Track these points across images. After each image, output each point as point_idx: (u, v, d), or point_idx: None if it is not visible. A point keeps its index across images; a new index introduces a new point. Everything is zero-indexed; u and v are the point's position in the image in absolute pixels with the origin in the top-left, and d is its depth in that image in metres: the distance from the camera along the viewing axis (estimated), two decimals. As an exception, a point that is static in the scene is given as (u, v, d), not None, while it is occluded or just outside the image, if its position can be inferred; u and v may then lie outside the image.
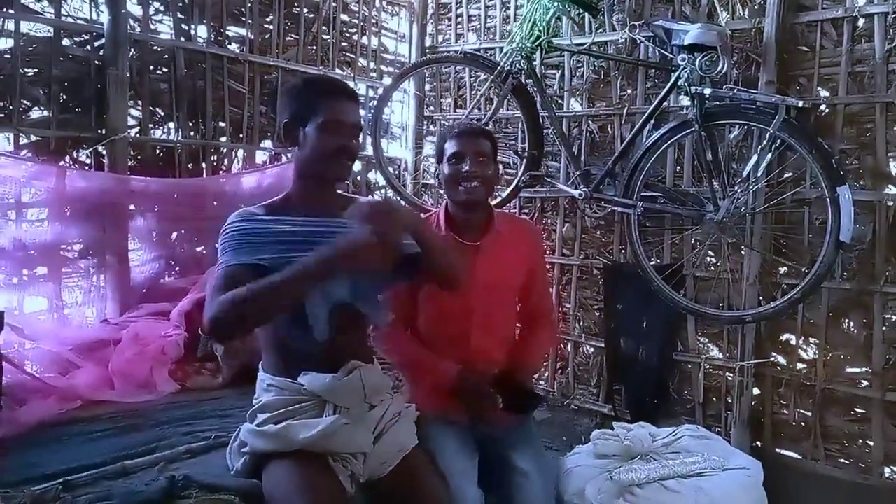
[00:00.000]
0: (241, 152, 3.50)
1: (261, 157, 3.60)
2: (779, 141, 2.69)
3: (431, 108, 4.24)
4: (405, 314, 2.25)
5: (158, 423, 2.28)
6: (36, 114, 2.81)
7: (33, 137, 2.78)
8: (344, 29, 3.94)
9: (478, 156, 2.20)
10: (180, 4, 3.18)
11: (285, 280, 1.56)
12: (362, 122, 1.85)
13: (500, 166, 2.38)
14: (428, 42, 4.20)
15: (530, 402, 2.18)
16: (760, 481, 2.20)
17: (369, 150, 3.79)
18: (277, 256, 1.66)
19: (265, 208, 1.81)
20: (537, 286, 2.40)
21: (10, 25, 2.67)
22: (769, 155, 2.70)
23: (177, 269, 3.21)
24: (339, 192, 1.96)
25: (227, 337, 1.80)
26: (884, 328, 2.74)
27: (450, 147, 2.22)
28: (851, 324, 2.86)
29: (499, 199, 3.47)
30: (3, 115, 2.69)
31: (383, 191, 4.24)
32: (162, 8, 3.15)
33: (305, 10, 3.68)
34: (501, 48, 3.58)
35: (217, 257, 1.74)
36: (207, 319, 1.59)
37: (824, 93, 2.86)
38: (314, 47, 3.75)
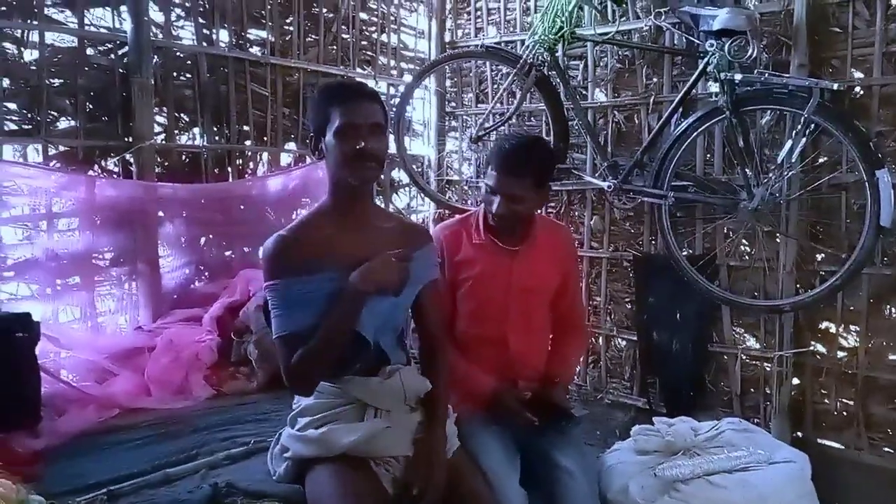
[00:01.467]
0: (265, 155, 3.49)
1: (285, 159, 3.58)
2: (813, 125, 2.62)
3: (453, 103, 4.20)
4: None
5: (197, 429, 2.28)
6: (63, 124, 2.81)
7: (61, 148, 2.79)
8: (363, 27, 3.92)
9: (511, 197, 2.09)
10: (201, 10, 3.17)
11: (329, 337, 1.69)
12: (382, 121, 1.78)
13: (551, 180, 2.26)
14: (448, 37, 4.17)
15: (566, 422, 2.13)
16: (808, 474, 2.15)
17: (393, 149, 3.76)
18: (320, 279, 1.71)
19: (300, 229, 1.79)
20: (570, 292, 2.37)
21: (35, 37, 2.67)
22: (804, 140, 2.64)
23: (206, 273, 3.21)
24: (376, 203, 1.95)
25: (311, 391, 1.81)
26: (927, 313, 2.68)
27: (488, 177, 2.13)
28: (893, 310, 2.80)
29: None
30: (30, 126, 2.70)
31: (407, 188, 4.23)
32: (183, 14, 3.14)
33: (325, 11, 3.66)
34: (522, 41, 3.54)
35: (262, 280, 1.78)
36: (292, 389, 1.79)
37: (858, 74, 2.79)
38: (334, 47, 3.73)
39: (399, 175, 4.17)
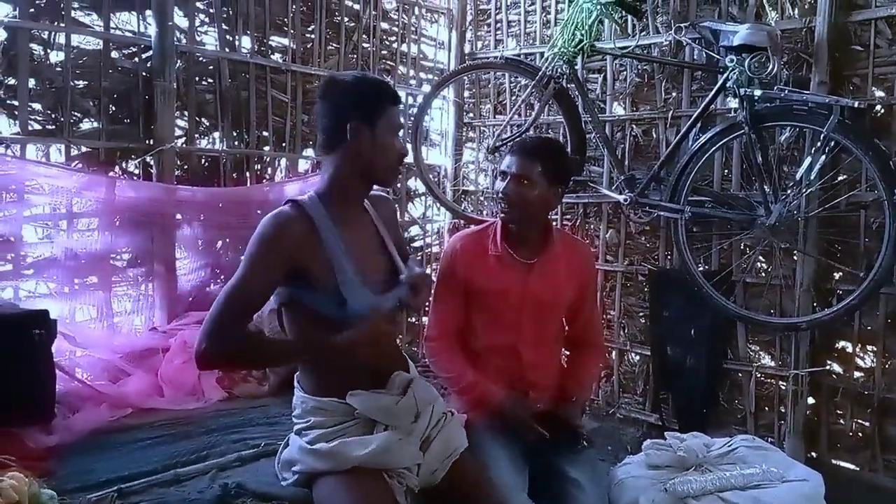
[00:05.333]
0: (283, 161, 3.52)
1: (303, 165, 3.61)
2: (833, 143, 2.61)
3: (471, 114, 4.22)
4: (455, 325, 2.24)
5: (208, 431, 2.29)
6: (86, 125, 2.85)
7: (84, 148, 2.82)
8: (384, 37, 3.95)
9: (518, 178, 2.15)
10: (225, 16, 3.21)
11: (294, 353, 1.78)
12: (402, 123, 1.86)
13: (564, 186, 2.28)
14: (467, 48, 4.19)
15: (577, 442, 2.12)
16: (822, 494, 2.12)
17: (410, 158, 3.78)
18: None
19: (298, 205, 1.73)
20: (588, 309, 2.37)
21: (62, 39, 2.72)
22: (823, 157, 2.62)
23: (222, 276, 3.22)
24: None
25: (209, 368, 1.81)
26: (945, 335, 2.65)
27: (502, 164, 2.21)
28: (911, 331, 2.77)
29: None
30: (54, 126, 2.74)
31: (423, 198, 4.24)
32: (207, 20, 3.19)
33: (346, 20, 3.70)
34: (541, 53, 3.55)
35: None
36: (205, 349, 1.60)
37: (879, 93, 2.77)
38: (354, 56, 3.76)
39: (415, 184, 4.18)
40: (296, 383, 1.85)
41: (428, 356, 2.26)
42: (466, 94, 4.22)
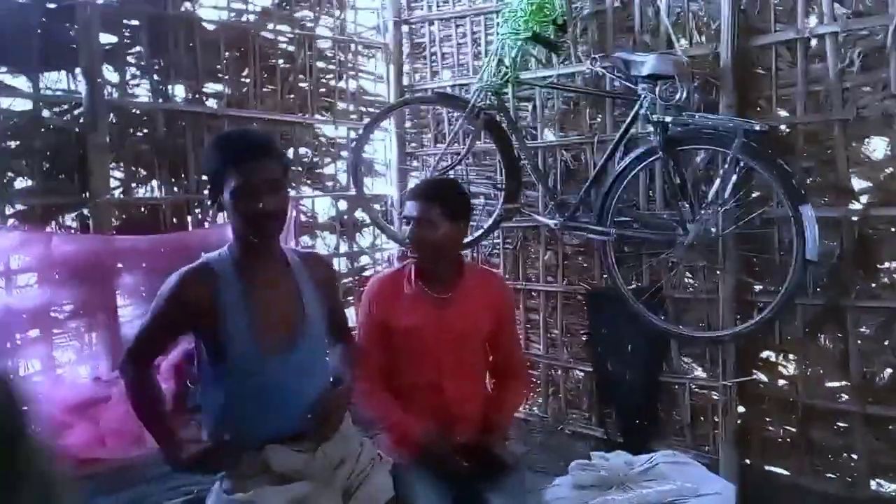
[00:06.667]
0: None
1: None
2: (741, 163, 2.74)
3: (413, 144, 4.32)
4: (380, 362, 2.32)
5: (147, 479, 2.35)
6: (21, 184, 2.92)
7: (19, 206, 2.88)
8: (321, 76, 4.03)
9: (422, 222, 2.23)
10: (157, 67, 3.29)
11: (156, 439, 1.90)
12: (280, 176, 1.77)
13: (466, 221, 2.38)
14: (406, 81, 4.29)
15: (500, 469, 2.20)
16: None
17: (353, 191, 3.86)
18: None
19: (205, 263, 1.82)
20: (506, 338, 2.47)
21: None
22: (734, 177, 2.74)
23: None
24: (279, 245, 1.93)
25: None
26: (858, 342, 2.77)
27: (405, 208, 2.29)
28: (827, 339, 2.89)
29: (481, 231, 3.54)
30: (-11, 187, 2.80)
31: (371, 228, 4.32)
32: (138, 72, 3.26)
33: (281, 62, 3.78)
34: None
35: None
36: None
37: (784, 113, 2.91)
38: (292, 96, 3.84)
39: (362, 215, 4.27)
40: None
41: (356, 400, 2.33)
42: (408, 124, 4.32)
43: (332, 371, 1.98)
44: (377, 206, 4.19)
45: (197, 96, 3.44)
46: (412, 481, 2.10)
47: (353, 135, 4.18)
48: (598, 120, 3.46)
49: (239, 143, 1.77)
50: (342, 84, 4.14)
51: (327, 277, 2.04)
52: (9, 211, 2.86)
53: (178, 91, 3.38)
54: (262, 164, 1.72)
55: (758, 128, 2.67)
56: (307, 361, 1.84)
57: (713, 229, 2.92)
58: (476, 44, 3.91)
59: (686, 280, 3.25)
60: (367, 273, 4.29)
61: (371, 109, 4.28)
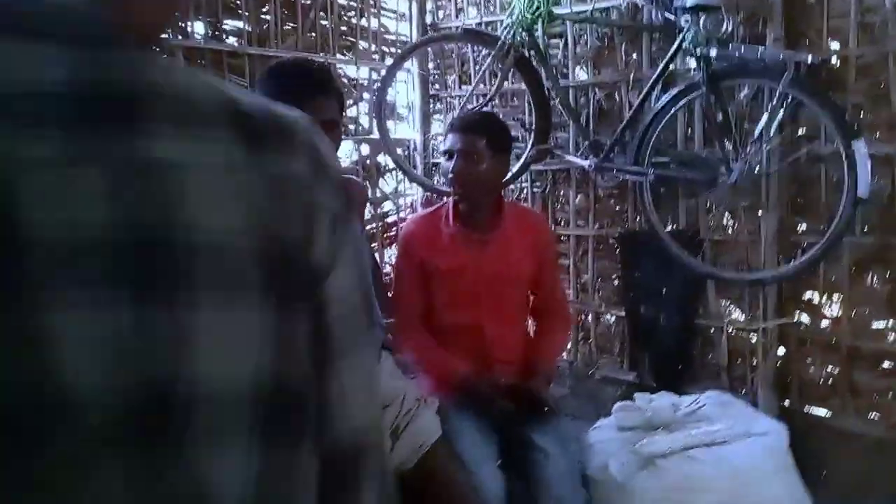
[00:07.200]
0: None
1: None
2: (790, 98, 2.63)
3: (437, 86, 4.19)
4: (418, 305, 2.27)
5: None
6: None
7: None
8: (342, 12, 3.89)
9: (465, 154, 2.16)
10: (176, 2, 3.16)
11: None
12: (337, 117, 1.67)
13: (508, 154, 2.32)
14: (429, 19, 4.14)
15: (544, 411, 2.16)
16: (785, 445, 2.19)
17: (376, 134, 3.77)
18: None
19: None
20: (548, 279, 2.41)
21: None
22: (781, 113, 2.64)
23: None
24: None
25: None
26: (907, 281, 2.70)
27: (444, 142, 2.22)
28: (875, 278, 2.81)
29: (510, 173, 3.44)
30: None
31: (394, 173, 4.23)
32: (158, 7, 3.13)
33: (302, -3, 3.64)
34: (502, 21, 3.52)
35: None
36: None
37: (834, 45, 2.78)
38: (313, 34, 3.71)
39: (385, 159, 4.17)
40: None
41: (394, 338, 2.29)
42: (431, 65, 4.19)
43: None
44: (399, 151, 4.08)
45: (216, 33, 3.31)
46: (456, 422, 2.06)
47: (374, 76, 4.06)
48: (633, 57, 3.33)
49: (298, 77, 1.65)
50: (364, 22, 4.00)
51: (360, 201, 2.08)
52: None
53: (198, 28, 3.25)
54: (321, 102, 1.62)
55: (809, 60, 2.56)
56: None
57: (757, 168, 2.83)
58: (505, -22, 3.75)
59: (725, 221, 3.17)
60: (390, 219, 4.22)
61: (393, 49, 4.15)
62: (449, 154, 2.21)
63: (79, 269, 0.45)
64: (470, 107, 3.59)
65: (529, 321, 2.49)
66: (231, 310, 0.50)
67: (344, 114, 1.76)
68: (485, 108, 3.44)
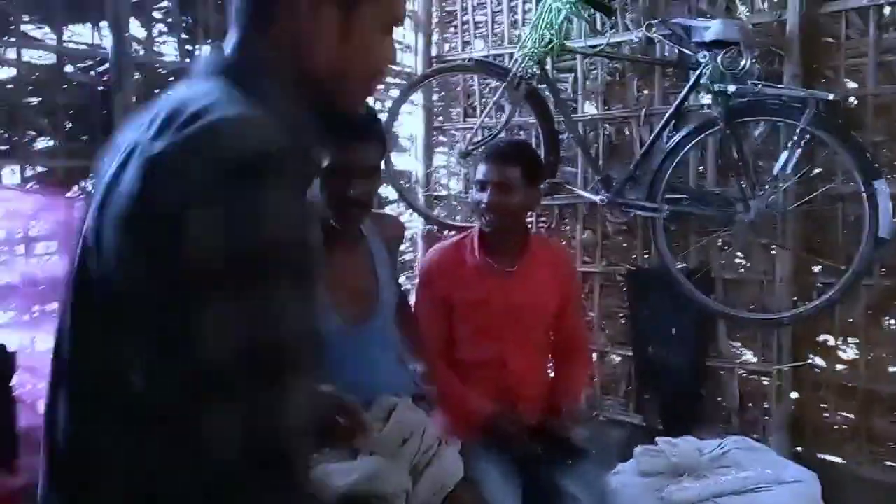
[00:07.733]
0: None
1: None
2: (808, 136, 2.61)
3: (441, 118, 4.15)
4: (440, 339, 2.17)
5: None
6: (41, 143, 2.72)
7: (39, 168, 2.69)
8: (349, 42, 3.85)
9: (500, 186, 2.09)
10: (184, 24, 3.09)
11: None
12: (376, 163, 1.64)
13: (541, 185, 2.26)
14: (434, 51, 4.12)
15: (570, 455, 2.06)
16: (818, 493, 2.11)
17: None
18: None
19: None
20: (572, 314, 2.33)
21: (12, 54, 2.58)
22: (799, 150, 2.61)
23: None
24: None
25: None
26: (927, 325, 2.66)
27: (477, 172, 2.14)
28: (892, 322, 2.77)
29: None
30: (7, 146, 2.60)
31: (396, 204, 4.15)
32: (166, 29, 3.06)
33: (309, 25, 3.59)
34: (510, 54, 3.50)
35: None
36: None
37: (852, 84, 2.77)
38: (320, 62, 3.65)
39: (387, 191, 4.09)
40: None
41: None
42: (435, 97, 4.15)
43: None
44: (402, 182, 4.01)
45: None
46: (479, 463, 1.95)
47: (378, 106, 4.00)
48: (645, 92, 3.31)
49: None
50: (370, 52, 3.95)
51: (398, 237, 1.99)
52: (29, 172, 2.66)
53: (206, 51, 3.18)
54: (365, 147, 1.58)
55: (830, 97, 2.54)
56: (384, 329, 1.70)
57: (774, 206, 2.79)
58: (513, 12, 3.73)
59: (738, 260, 3.12)
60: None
61: (398, 80, 4.10)
62: (481, 185, 2.13)
63: None
64: (476, 139, 3.53)
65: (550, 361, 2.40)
66: None
67: (382, 161, 1.71)
68: (481, 148, 3.37)
